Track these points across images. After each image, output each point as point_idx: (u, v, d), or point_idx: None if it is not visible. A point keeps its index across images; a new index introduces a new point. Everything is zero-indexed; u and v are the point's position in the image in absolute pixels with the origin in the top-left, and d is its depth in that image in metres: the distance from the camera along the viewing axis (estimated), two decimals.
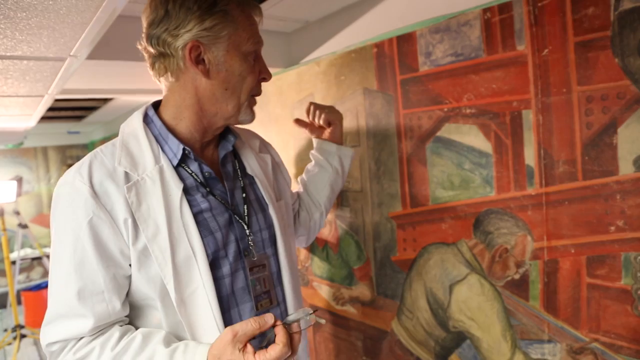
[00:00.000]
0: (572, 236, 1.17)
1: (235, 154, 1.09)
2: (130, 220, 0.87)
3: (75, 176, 0.88)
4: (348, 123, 1.75)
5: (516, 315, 1.30)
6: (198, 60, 0.91)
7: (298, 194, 1.42)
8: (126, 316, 0.94)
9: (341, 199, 1.85)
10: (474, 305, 1.40)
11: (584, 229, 1.14)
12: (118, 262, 0.88)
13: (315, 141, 1.44)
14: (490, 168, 1.32)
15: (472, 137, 1.36)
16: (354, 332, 1.88)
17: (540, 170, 1.21)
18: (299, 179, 1.46)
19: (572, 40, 1.12)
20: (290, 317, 0.83)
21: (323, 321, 0.86)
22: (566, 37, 1.13)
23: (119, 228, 0.87)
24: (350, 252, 1.84)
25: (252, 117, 1.01)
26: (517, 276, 1.29)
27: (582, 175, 1.14)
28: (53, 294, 0.89)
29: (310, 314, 0.82)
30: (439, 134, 1.43)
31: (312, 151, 1.44)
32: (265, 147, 1.24)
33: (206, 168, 0.98)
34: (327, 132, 1.42)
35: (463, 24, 1.33)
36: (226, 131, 1.06)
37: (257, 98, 1.03)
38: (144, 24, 0.94)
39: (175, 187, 0.91)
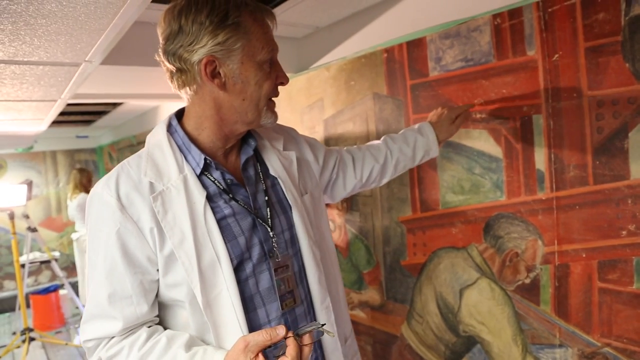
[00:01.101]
0: (583, 240, 1.17)
1: (258, 157, 1.11)
2: (156, 229, 0.91)
3: (104, 189, 0.93)
4: (358, 128, 1.76)
5: (527, 319, 1.30)
6: (214, 75, 0.92)
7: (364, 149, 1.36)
8: (156, 316, 0.99)
9: (351, 203, 1.86)
10: (485, 309, 1.40)
11: (595, 234, 1.15)
12: (145, 269, 0.93)
13: (431, 116, 1.37)
14: (501, 172, 1.33)
15: (483, 141, 1.37)
16: (364, 337, 1.88)
17: (551, 175, 1.22)
18: (383, 137, 1.38)
19: (582, 45, 1.13)
20: (302, 329, 0.85)
21: (333, 335, 0.87)
22: (577, 42, 1.13)
23: (145, 237, 0.91)
24: (360, 256, 1.84)
25: (274, 119, 1.02)
26: (527, 280, 1.29)
27: (593, 180, 1.14)
28: (89, 296, 0.96)
29: (320, 327, 0.84)
30: (449, 138, 1.44)
31: (419, 125, 1.35)
32: (293, 140, 1.23)
33: (228, 175, 1.00)
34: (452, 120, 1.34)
35: (473, 29, 1.35)
36: (248, 135, 1.08)
37: None
38: (160, 38, 0.96)
39: (199, 195, 0.94)
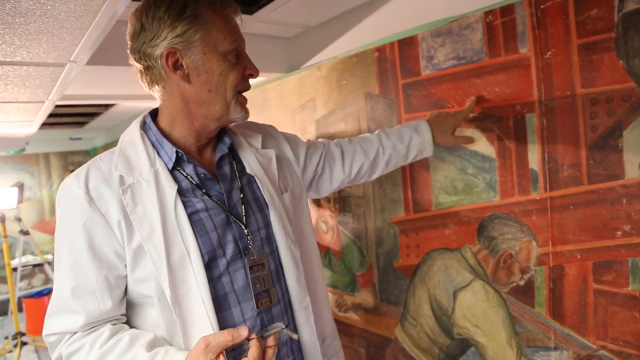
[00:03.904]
0: (578, 241, 1.15)
1: (235, 155, 1.10)
2: (124, 222, 0.91)
3: (73, 181, 0.93)
4: (350, 127, 1.74)
5: (521, 322, 1.28)
6: (176, 67, 0.94)
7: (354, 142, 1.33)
8: (123, 315, 0.98)
9: (343, 205, 1.83)
10: (479, 311, 1.38)
11: (589, 234, 1.13)
12: (112, 264, 0.92)
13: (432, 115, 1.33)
14: (494, 172, 1.31)
15: (475, 141, 1.35)
16: (357, 340, 1.85)
17: (545, 175, 1.20)
18: (377, 131, 1.35)
19: (575, 42, 1.11)
20: (265, 331, 0.83)
21: (296, 336, 0.86)
22: (569, 40, 1.11)
23: (112, 230, 0.91)
24: (353, 258, 1.82)
25: (244, 115, 1.01)
26: (522, 282, 1.27)
27: (588, 179, 1.12)
28: (54, 290, 0.95)
29: (283, 328, 0.83)
30: (445, 145, 1.41)
31: (414, 122, 1.32)
32: (272, 137, 1.22)
33: (201, 170, 1.00)
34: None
35: (465, 27, 1.32)
36: (222, 133, 1.08)
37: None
38: (127, 39, 0.99)
39: (170, 189, 0.94)
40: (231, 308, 0.96)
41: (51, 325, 0.93)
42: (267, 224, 1.06)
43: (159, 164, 0.96)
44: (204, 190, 0.98)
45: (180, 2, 0.92)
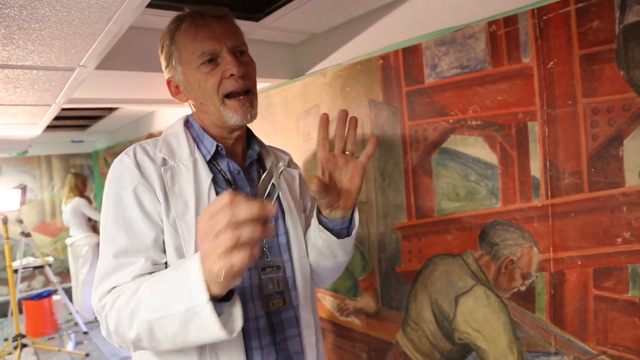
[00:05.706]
0: (579, 248, 1.17)
1: (262, 164, 1.17)
2: (162, 196, 0.98)
3: (123, 156, 1.02)
4: None
5: (522, 327, 1.30)
6: (176, 92, 1.08)
7: None
8: None
9: None
10: (480, 317, 1.39)
11: (590, 241, 1.14)
12: (159, 226, 0.97)
13: (315, 214, 1.10)
14: (496, 179, 1.33)
15: (478, 148, 1.37)
16: (359, 344, 1.87)
17: (546, 182, 1.22)
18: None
19: (577, 52, 1.13)
20: (266, 193, 0.81)
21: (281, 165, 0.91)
22: (571, 50, 1.14)
23: (158, 198, 0.98)
24: (355, 263, 1.83)
25: (240, 118, 1.01)
26: (523, 288, 1.29)
27: (588, 187, 1.14)
28: (102, 256, 0.96)
29: (282, 169, 0.86)
30: (444, 145, 1.44)
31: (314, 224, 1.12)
32: (294, 164, 1.31)
33: (235, 165, 1.08)
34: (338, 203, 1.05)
35: (468, 36, 1.35)
36: (252, 142, 1.15)
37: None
38: None
39: (206, 176, 1.02)
40: (247, 303, 1.00)
41: (102, 289, 0.93)
42: (287, 232, 1.11)
43: (198, 155, 1.05)
44: (233, 187, 1.06)
45: (162, 35, 1.04)
